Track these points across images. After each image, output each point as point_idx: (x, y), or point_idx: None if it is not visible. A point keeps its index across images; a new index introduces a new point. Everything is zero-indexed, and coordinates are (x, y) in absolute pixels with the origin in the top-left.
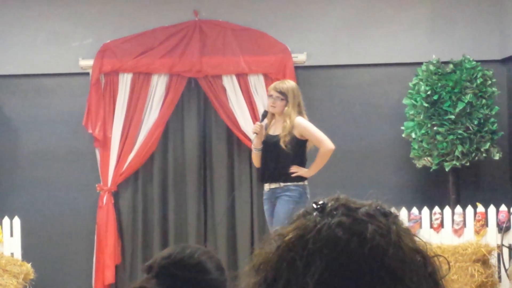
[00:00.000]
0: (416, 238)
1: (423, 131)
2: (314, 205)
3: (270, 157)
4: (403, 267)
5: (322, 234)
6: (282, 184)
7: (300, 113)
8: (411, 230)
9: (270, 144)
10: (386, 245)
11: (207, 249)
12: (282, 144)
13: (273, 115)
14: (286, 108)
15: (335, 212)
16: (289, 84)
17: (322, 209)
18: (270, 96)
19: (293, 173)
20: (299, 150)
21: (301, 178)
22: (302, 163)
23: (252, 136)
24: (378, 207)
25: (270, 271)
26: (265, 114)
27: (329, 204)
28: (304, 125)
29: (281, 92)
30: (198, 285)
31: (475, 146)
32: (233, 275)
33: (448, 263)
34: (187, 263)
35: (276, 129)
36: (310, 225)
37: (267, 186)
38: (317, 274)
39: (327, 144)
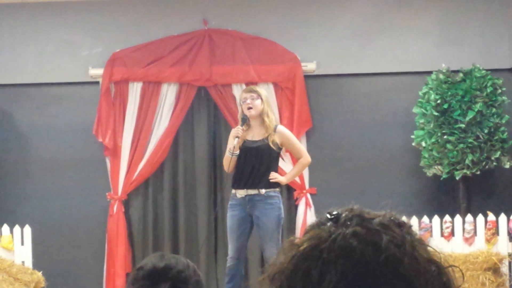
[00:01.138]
0: (430, 248)
1: (433, 140)
2: (328, 215)
3: (249, 163)
4: (418, 277)
5: (336, 244)
6: (263, 190)
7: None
8: (425, 241)
9: (249, 150)
10: (401, 255)
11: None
12: (271, 144)
13: (248, 124)
14: (262, 107)
15: (349, 223)
16: (259, 87)
17: (336, 219)
18: (244, 100)
19: (271, 179)
20: (277, 156)
21: (278, 184)
22: (276, 171)
23: (233, 141)
24: (392, 218)
25: (285, 281)
26: (245, 119)
27: (343, 215)
28: (287, 134)
29: (253, 91)
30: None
31: (485, 154)
32: (245, 285)
33: (462, 273)
34: (192, 279)
35: (254, 135)
36: (325, 235)
37: (242, 192)
38: (332, 284)
39: (307, 156)
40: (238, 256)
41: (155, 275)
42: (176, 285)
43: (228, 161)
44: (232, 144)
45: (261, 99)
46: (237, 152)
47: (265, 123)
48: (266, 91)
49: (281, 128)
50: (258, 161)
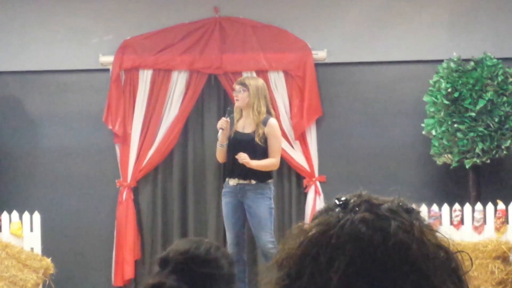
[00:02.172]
0: (439, 234)
1: (443, 128)
2: (337, 201)
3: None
4: (426, 263)
5: (345, 230)
6: (253, 181)
7: (267, 107)
8: (433, 227)
9: (239, 141)
10: (409, 241)
11: (219, 245)
12: (257, 139)
13: (240, 113)
14: (248, 99)
15: (357, 208)
16: (253, 78)
17: (344, 205)
18: (233, 91)
19: (263, 173)
20: (266, 150)
21: (268, 176)
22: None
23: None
24: (400, 204)
25: (293, 266)
26: (230, 110)
27: (352, 200)
28: (273, 130)
29: (242, 84)
30: (213, 279)
31: (495, 143)
32: (254, 271)
33: (471, 259)
34: (204, 259)
35: (245, 126)
36: (333, 221)
37: (233, 181)
38: (341, 269)
39: (278, 161)
40: (237, 242)
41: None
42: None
43: (218, 152)
44: (220, 136)
45: (249, 91)
46: (224, 143)
47: (250, 116)
48: (276, 79)
49: (272, 122)
50: (246, 154)
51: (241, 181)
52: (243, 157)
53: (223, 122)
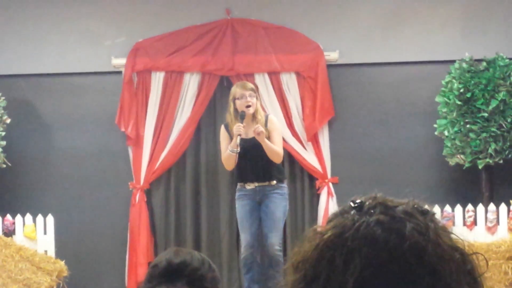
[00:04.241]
0: (454, 236)
1: (456, 129)
2: (352, 204)
3: (251, 159)
4: (442, 264)
5: (360, 232)
6: (274, 182)
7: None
8: (448, 228)
9: (252, 146)
10: (425, 243)
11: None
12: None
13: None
14: (257, 104)
15: (372, 211)
16: (248, 82)
17: (360, 207)
18: (241, 97)
19: (280, 173)
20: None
21: (283, 176)
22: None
23: (226, 140)
24: (415, 206)
25: (309, 269)
26: (243, 115)
27: (367, 203)
28: (275, 125)
29: (252, 89)
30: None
31: (508, 143)
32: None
33: (486, 260)
34: (207, 266)
35: (248, 132)
36: (349, 223)
37: (251, 185)
38: (357, 271)
39: (282, 152)
40: (253, 244)
41: (170, 273)
42: (192, 283)
43: (231, 159)
44: (235, 142)
45: (257, 96)
46: (238, 149)
47: (257, 119)
48: (289, 80)
49: (271, 118)
50: (259, 157)
51: (261, 183)
52: (260, 131)
53: (241, 128)
